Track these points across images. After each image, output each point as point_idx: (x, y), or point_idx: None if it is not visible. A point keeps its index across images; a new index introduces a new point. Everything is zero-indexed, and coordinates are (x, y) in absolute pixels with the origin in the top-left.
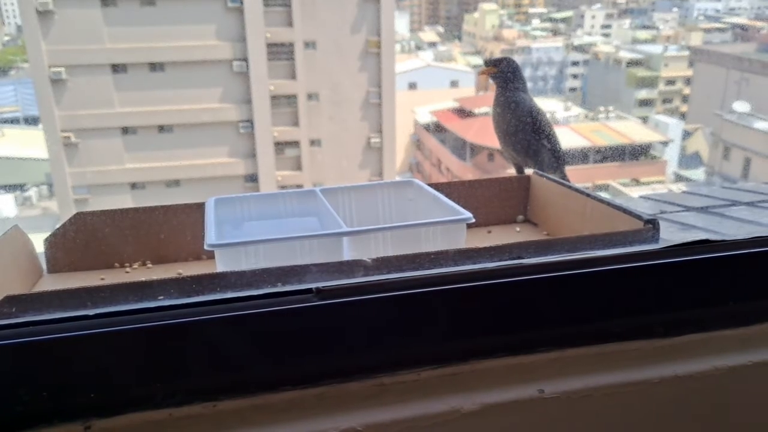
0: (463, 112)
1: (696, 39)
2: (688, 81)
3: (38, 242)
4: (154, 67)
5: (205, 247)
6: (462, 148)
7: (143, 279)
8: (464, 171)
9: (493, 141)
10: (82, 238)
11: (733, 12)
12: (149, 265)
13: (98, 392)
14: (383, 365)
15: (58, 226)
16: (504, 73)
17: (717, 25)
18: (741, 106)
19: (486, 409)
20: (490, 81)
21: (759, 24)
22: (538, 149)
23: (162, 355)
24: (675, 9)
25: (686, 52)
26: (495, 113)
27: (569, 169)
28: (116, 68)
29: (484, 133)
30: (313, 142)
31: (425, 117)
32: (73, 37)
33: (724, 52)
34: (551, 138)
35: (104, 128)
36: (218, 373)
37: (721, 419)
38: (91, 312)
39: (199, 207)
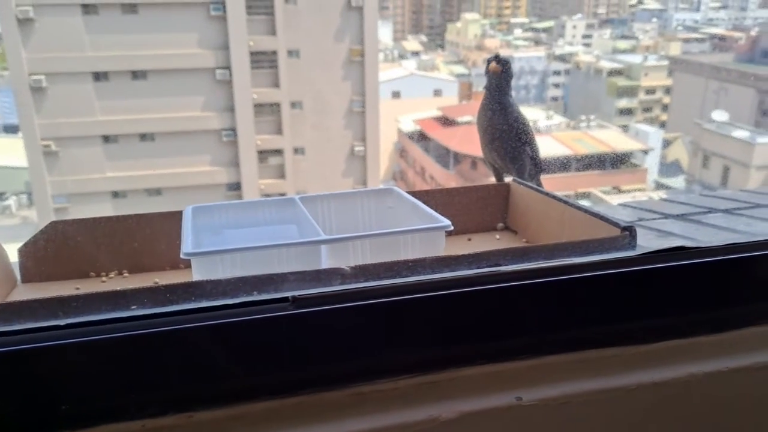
0: (446, 121)
1: (675, 49)
2: (667, 90)
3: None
4: (136, 75)
5: (182, 256)
6: (445, 157)
7: (118, 288)
8: (448, 179)
9: (475, 149)
10: (54, 247)
11: (711, 22)
12: (126, 275)
13: (70, 404)
14: (361, 374)
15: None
16: (504, 76)
17: (695, 35)
18: (720, 115)
19: (464, 417)
20: (474, 89)
21: (737, 34)
22: (522, 156)
23: (135, 365)
24: (654, 19)
25: (665, 62)
26: (484, 117)
27: (552, 177)
28: (97, 76)
29: (467, 141)
30: (297, 151)
31: (409, 125)
32: (54, 44)
33: (703, 62)
34: (533, 145)
35: (85, 137)
36: (193, 384)
37: (698, 425)
38: (62, 322)
39: (174, 215)
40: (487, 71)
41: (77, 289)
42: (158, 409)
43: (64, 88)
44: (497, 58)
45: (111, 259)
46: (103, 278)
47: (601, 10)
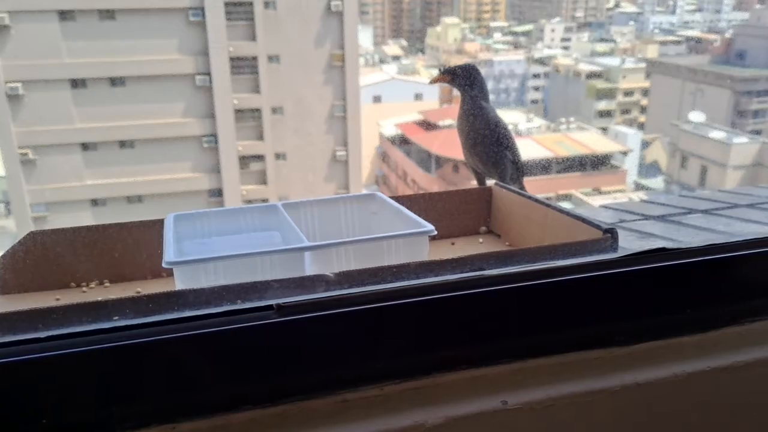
0: (427, 125)
1: (652, 51)
2: (645, 92)
3: None
4: (115, 81)
5: (164, 265)
6: (427, 160)
7: (99, 299)
8: (430, 183)
9: (457, 153)
10: (33, 258)
11: (687, 25)
12: (107, 285)
13: (50, 418)
14: (346, 381)
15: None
16: (461, 80)
17: (672, 38)
18: (696, 116)
19: (450, 422)
20: (454, 92)
21: (712, 36)
22: (502, 160)
23: (117, 377)
24: (631, 22)
25: (643, 64)
26: (465, 122)
27: (534, 180)
28: (75, 83)
29: (449, 145)
30: (279, 156)
31: (390, 130)
32: (30, 51)
33: (679, 64)
34: (513, 148)
35: (63, 144)
36: (176, 394)
37: (682, 424)
38: (42, 334)
39: (155, 224)
40: (468, 80)
41: (57, 300)
42: (140, 421)
43: (42, 95)
44: (441, 70)
45: (91, 269)
46: (84, 289)
47: (579, 14)
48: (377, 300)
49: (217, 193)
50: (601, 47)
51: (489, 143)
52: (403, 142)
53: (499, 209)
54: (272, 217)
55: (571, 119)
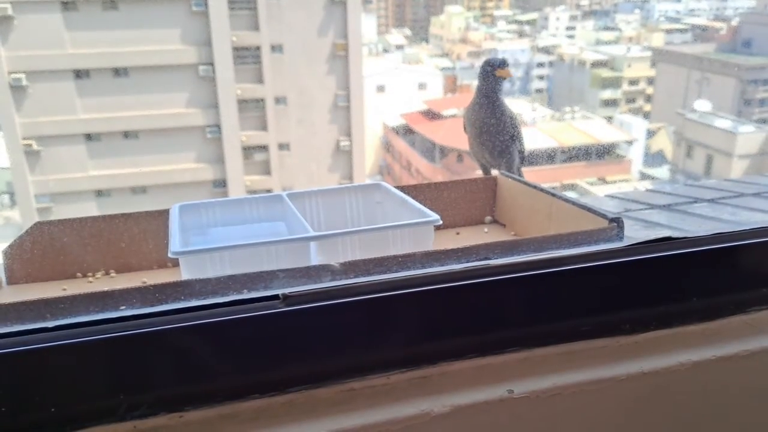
0: (431, 115)
1: (657, 40)
2: (650, 81)
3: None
4: (118, 72)
5: (169, 255)
6: (431, 150)
7: (106, 289)
8: (434, 173)
9: (461, 143)
10: (40, 249)
11: (692, 13)
12: (113, 275)
13: (59, 407)
14: (352, 370)
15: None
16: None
17: (677, 26)
18: (702, 105)
19: (456, 411)
20: (458, 82)
21: (718, 24)
22: (511, 150)
23: (125, 366)
24: (637, 10)
25: (648, 53)
26: (473, 112)
27: (538, 169)
28: (79, 74)
29: (453, 134)
30: (282, 146)
31: (394, 119)
32: (34, 42)
33: (685, 53)
34: (521, 139)
35: (67, 135)
36: (184, 383)
37: (687, 414)
38: (50, 324)
39: (161, 214)
40: (493, 75)
41: (64, 290)
42: (149, 409)
43: (45, 86)
44: (505, 63)
45: (98, 260)
46: (90, 279)
47: (584, 2)
48: (383, 289)
49: (221, 183)
50: (606, 36)
51: (496, 132)
52: (407, 131)
53: (504, 199)
54: (277, 207)
55: (576, 108)
